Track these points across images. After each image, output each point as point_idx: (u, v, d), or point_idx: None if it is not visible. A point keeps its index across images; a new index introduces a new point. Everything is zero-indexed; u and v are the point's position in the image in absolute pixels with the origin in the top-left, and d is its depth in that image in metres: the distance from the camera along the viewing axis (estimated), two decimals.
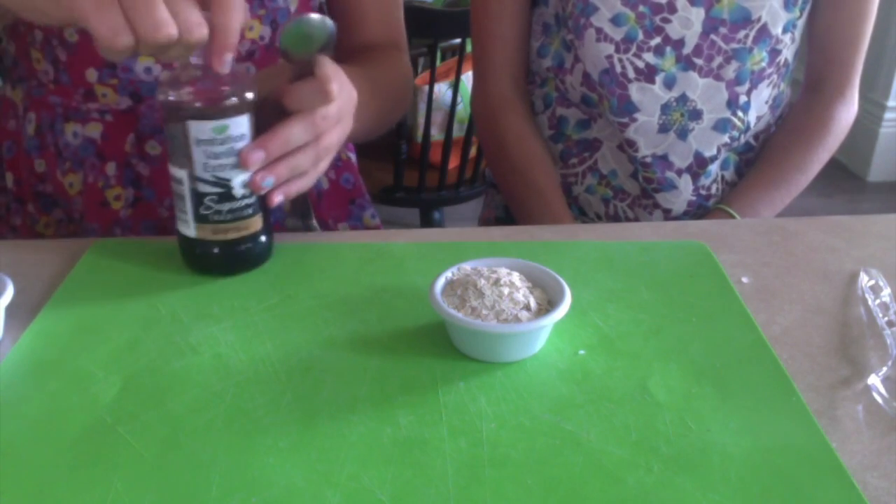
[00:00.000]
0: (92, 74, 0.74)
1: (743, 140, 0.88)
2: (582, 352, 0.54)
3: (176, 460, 0.44)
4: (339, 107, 0.60)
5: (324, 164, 0.62)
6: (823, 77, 0.91)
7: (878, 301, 0.60)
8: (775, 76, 0.87)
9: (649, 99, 0.83)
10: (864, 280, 0.62)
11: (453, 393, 0.49)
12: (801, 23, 0.86)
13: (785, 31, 0.84)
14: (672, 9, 0.81)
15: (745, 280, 0.62)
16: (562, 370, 0.52)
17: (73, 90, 0.75)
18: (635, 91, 0.83)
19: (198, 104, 0.56)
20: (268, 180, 0.58)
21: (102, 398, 0.49)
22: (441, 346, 0.54)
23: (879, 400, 0.49)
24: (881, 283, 0.61)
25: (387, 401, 0.49)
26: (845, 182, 2.70)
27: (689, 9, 0.81)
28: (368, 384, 0.50)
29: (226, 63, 0.52)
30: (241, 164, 0.57)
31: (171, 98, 0.56)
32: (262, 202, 0.61)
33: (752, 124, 0.87)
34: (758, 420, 0.47)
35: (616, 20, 0.82)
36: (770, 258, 0.66)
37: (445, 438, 0.46)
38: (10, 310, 0.56)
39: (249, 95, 0.57)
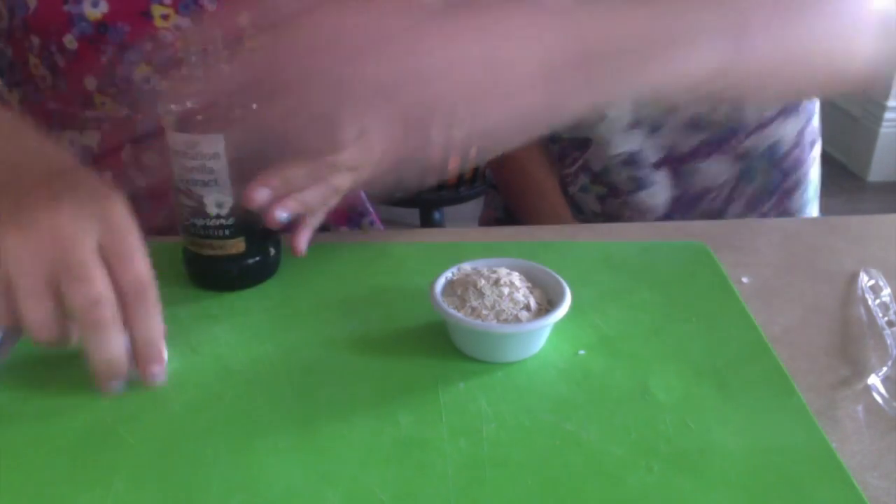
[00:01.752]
0: (91, 82, 0.73)
1: (739, 137, 0.86)
2: (582, 352, 0.54)
3: (176, 461, 0.44)
4: (352, 156, 0.57)
5: (332, 202, 0.62)
6: None
7: (878, 301, 0.60)
8: None
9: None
10: (864, 280, 0.62)
11: (453, 393, 0.50)
12: None
13: None
14: None
15: (745, 280, 0.63)
16: (562, 370, 0.52)
17: (72, 97, 0.74)
18: None
19: (175, 115, 0.56)
20: (282, 216, 0.57)
21: (102, 398, 0.49)
22: (441, 346, 0.54)
23: (879, 400, 0.49)
24: (881, 283, 0.61)
25: (387, 401, 0.49)
26: (845, 182, 2.70)
27: None
28: (368, 384, 0.50)
29: (158, 375, 0.48)
30: (245, 202, 0.56)
31: (160, 104, 0.57)
32: (250, 228, 0.59)
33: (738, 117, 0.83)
34: (758, 420, 0.48)
35: None
36: (770, 258, 0.66)
37: (445, 438, 0.46)
38: None
39: (233, 114, 0.57)
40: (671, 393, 0.50)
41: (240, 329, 0.56)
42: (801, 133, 0.89)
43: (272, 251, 0.62)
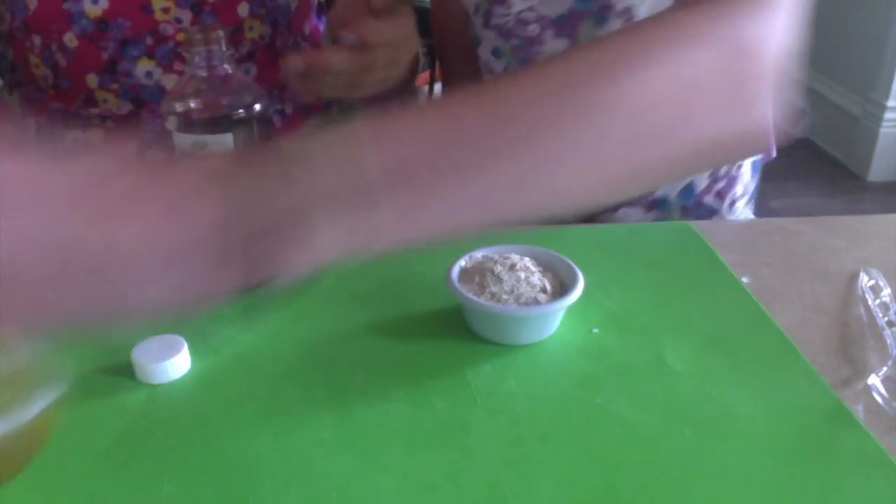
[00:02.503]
0: (92, 80, 0.75)
1: None
2: (595, 330, 0.59)
3: (222, 459, 0.48)
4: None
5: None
6: None
7: (878, 301, 0.61)
8: None
9: None
10: (864, 280, 0.64)
11: (482, 376, 0.54)
12: None
13: None
14: (541, 41, 0.84)
15: (745, 280, 0.64)
16: (580, 348, 0.57)
17: (74, 96, 0.76)
18: None
19: (180, 117, 0.56)
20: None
21: (131, 404, 0.52)
22: (458, 331, 0.58)
23: (879, 400, 0.51)
24: (881, 283, 0.63)
25: (419, 387, 0.53)
26: (845, 182, 2.73)
27: (555, 41, 0.83)
28: (397, 373, 0.54)
29: None
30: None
31: (163, 104, 0.57)
32: None
33: None
34: (770, 383, 0.53)
35: (495, 52, 0.87)
36: (770, 258, 0.69)
37: (484, 419, 0.50)
38: None
39: (238, 113, 0.57)
40: (686, 363, 0.55)
41: (256, 329, 0.60)
42: (716, 169, 0.89)
43: None
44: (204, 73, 0.58)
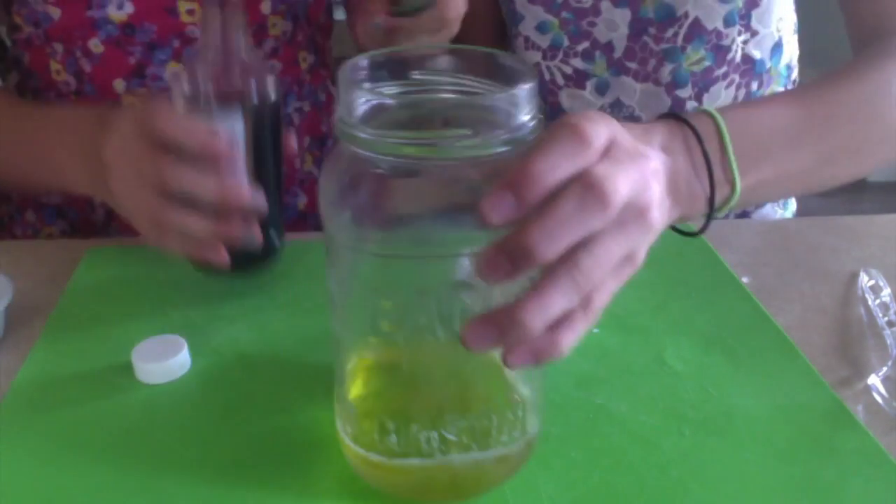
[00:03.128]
0: (119, 85, 0.75)
1: None
2: (595, 330, 0.58)
3: (222, 459, 0.47)
4: None
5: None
6: (870, 33, 0.74)
7: (878, 301, 0.61)
8: (737, 76, 0.84)
9: (580, 105, 0.87)
10: (864, 280, 0.64)
11: None
12: (760, 12, 0.81)
13: (729, 23, 0.81)
14: (596, 12, 0.83)
15: (745, 280, 0.64)
16: (580, 348, 0.57)
17: (99, 101, 0.76)
18: (565, 98, 0.87)
19: (187, 99, 0.55)
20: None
21: (131, 404, 0.52)
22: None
23: (879, 400, 0.51)
24: (881, 283, 0.63)
25: None
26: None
27: (614, 10, 0.83)
28: None
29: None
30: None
31: (171, 86, 0.56)
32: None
33: None
34: (770, 382, 0.54)
35: (540, 27, 0.86)
36: (770, 258, 0.69)
37: None
38: (11, 310, 0.59)
39: (248, 99, 0.56)
40: (686, 363, 0.55)
41: (257, 329, 0.60)
42: None
43: (273, 232, 0.61)
44: (218, 44, 0.56)
